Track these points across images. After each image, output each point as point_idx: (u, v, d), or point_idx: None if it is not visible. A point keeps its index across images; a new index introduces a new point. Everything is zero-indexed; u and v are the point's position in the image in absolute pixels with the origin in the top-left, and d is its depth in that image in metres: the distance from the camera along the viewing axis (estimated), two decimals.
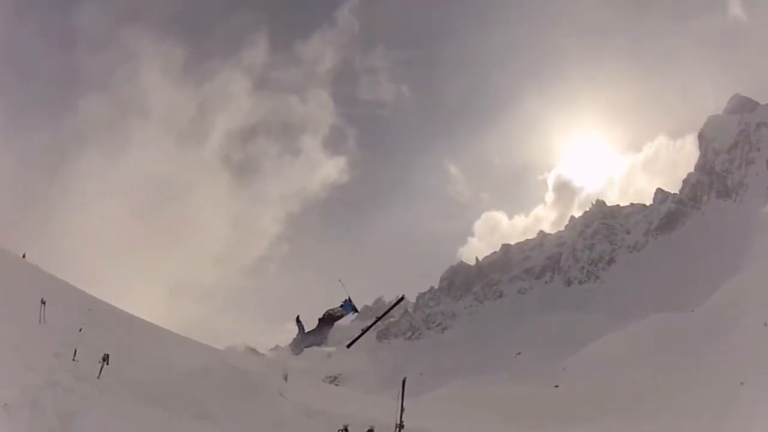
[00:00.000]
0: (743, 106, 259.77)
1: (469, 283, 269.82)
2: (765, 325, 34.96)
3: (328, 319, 16.53)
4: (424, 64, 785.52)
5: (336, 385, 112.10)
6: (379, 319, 18.45)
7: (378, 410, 27.50)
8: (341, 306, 16.50)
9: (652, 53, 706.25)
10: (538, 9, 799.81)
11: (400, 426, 23.80)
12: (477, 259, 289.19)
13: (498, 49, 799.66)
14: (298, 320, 16.64)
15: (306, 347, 16.62)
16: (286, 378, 29.52)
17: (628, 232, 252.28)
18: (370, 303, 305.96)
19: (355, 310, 16.37)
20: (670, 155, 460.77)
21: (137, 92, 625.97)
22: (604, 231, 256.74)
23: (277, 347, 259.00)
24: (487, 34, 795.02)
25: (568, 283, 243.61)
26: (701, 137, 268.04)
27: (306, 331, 16.58)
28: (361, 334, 17.85)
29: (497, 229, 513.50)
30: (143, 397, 13.54)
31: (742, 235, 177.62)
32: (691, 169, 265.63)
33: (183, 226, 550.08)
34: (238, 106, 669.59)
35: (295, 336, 16.86)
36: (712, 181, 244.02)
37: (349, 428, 21.20)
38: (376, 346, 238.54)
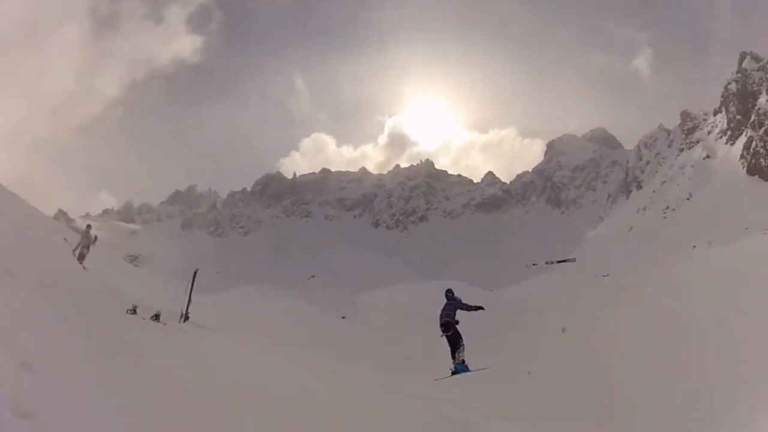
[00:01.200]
0: (605, 140, 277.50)
1: (280, 195, 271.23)
2: (563, 331, 37.39)
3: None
4: None
5: (135, 265, 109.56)
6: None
7: (168, 298, 27.26)
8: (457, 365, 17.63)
9: (544, 61, 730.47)
10: None
11: (185, 316, 24.26)
12: (294, 174, 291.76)
13: None
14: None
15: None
16: (89, 248, 28.98)
17: (447, 198, 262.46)
18: (183, 189, 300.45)
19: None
20: (514, 149, 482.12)
21: None
22: (425, 189, 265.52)
23: (87, 215, 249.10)
24: None
25: (376, 224, 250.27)
26: (551, 146, 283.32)
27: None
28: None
29: (323, 152, 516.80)
30: None
31: (563, 241, 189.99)
32: (529, 169, 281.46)
33: (32, 68, 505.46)
34: None
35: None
36: (546, 187, 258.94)
37: (137, 310, 21.37)
38: (180, 233, 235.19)
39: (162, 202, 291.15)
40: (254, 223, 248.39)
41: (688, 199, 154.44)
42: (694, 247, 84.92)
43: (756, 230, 65.74)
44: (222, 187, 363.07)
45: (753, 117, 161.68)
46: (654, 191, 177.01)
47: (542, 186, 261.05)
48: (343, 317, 70.10)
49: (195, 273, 25.01)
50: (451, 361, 17.64)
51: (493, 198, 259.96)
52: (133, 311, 21.31)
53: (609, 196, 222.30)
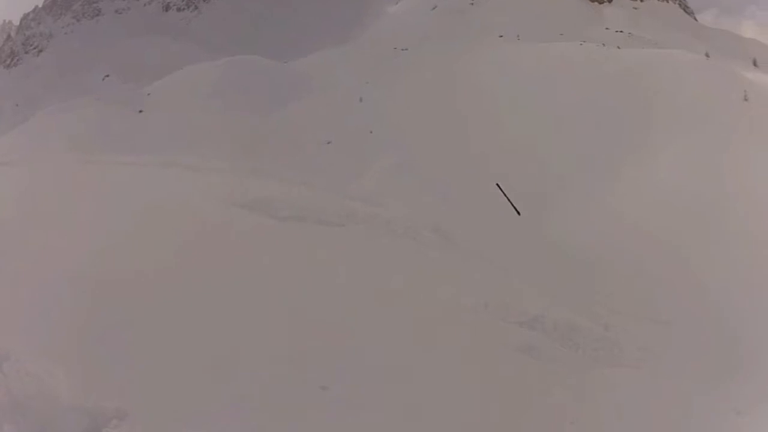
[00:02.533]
0: None
1: (71, 2, 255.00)
2: (360, 100, 38.47)
3: None
4: None
5: None
6: None
7: None
8: None
9: None
10: None
11: None
12: None
13: None
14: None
15: None
16: None
17: None
18: None
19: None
20: None
21: None
22: None
23: None
24: None
25: (167, 8, 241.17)
26: None
27: None
28: None
29: None
30: None
31: (361, 14, 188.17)
32: None
33: None
34: None
35: None
36: None
37: None
38: None
39: None
40: (46, 39, 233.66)
41: None
42: (501, 36, 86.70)
43: (571, 40, 68.20)
44: (16, 12, 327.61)
45: None
46: None
47: None
48: (141, 111, 73.17)
49: None
50: None
51: None
52: None
53: None
